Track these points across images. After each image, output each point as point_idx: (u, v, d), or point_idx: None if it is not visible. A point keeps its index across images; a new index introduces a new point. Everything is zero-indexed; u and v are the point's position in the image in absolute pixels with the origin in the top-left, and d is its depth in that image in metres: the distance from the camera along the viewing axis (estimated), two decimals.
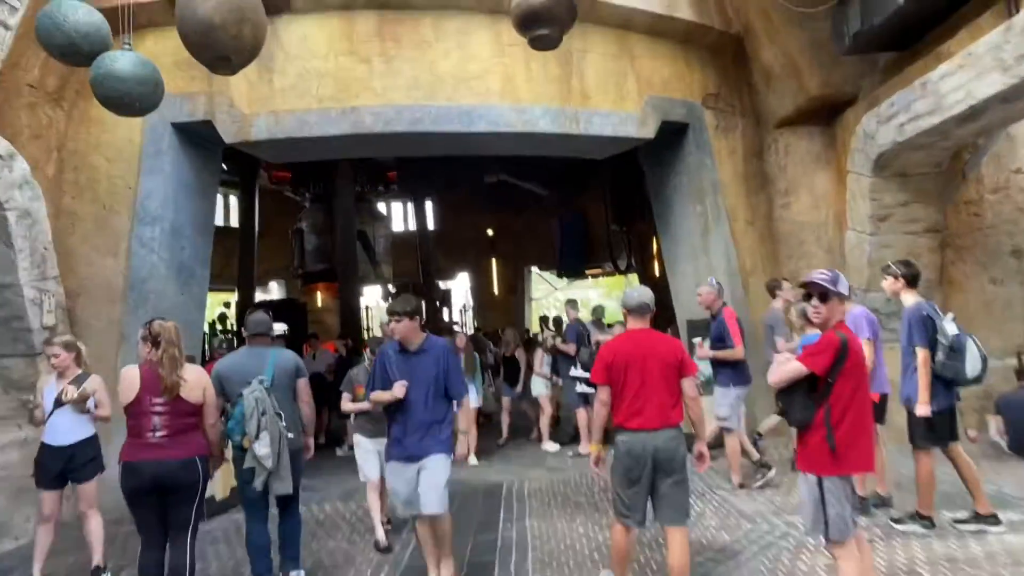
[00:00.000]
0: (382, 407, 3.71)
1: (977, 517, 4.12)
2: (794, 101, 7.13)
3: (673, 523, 3.24)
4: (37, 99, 5.58)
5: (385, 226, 13.25)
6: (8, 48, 4.65)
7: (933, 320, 4.27)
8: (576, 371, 7.35)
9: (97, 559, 4.02)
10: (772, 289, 6.00)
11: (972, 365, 4.13)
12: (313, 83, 5.97)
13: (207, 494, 3.61)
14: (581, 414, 7.13)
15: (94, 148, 5.97)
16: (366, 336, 11.53)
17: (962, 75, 4.78)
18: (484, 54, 6.23)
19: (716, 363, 5.66)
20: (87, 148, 5.95)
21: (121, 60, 3.99)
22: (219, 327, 12.71)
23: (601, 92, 6.60)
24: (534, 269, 20.43)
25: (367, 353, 7.53)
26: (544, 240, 19.34)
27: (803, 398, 2.71)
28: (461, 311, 13.37)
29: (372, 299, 19.42)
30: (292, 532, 3.91)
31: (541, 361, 7.61)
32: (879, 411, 4.56)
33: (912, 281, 4.50)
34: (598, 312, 8.37)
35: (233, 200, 18.84)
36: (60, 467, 3.96)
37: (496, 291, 19.97)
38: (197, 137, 6.12)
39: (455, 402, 3.70)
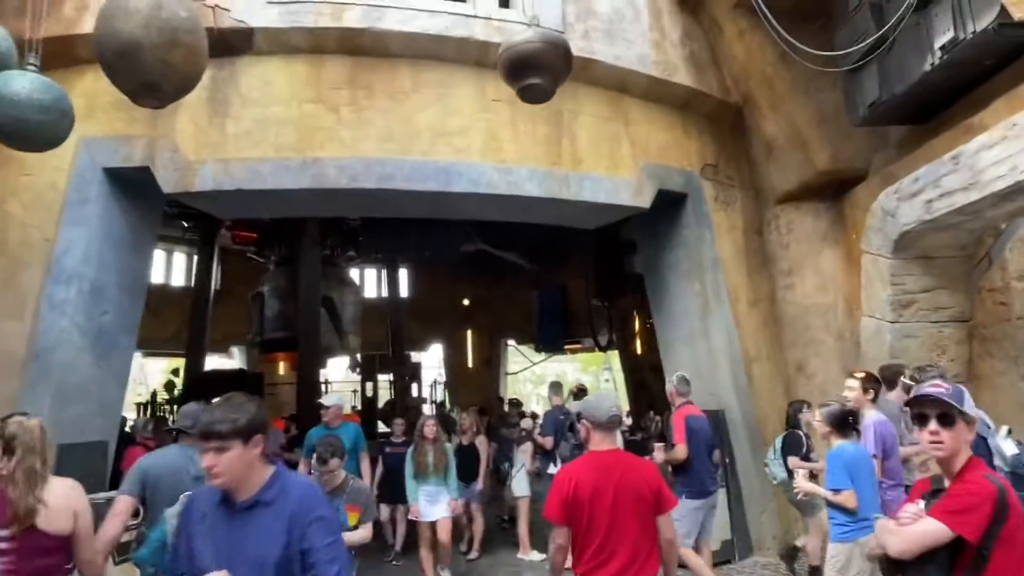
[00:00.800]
0: None
1: None
2: (799, 176, 6.63)
3: None
4: None
5: (354, 292, 12.40)
6: None
7: (985, 440, 3.55)
8: (554, 469, 6.44)
9: None
10: (892, 378, 4.72)
11: None
12: (272, 131, 5.28)
13: None
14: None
15: (10, 193, 5.14)
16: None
17: (1005, 147, 4.25)
18: (466, 108, 5.63)
19: (673, 470, 5.17)
20: (2, 192, 5.13)
21: (18, 81, 3.23)
22: (164, 396, 11.49)
23: (593, 156, 6.01)
24: (511, 342, 19.59)
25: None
26: (522, 312, 18.63)
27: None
28: (432, 386, 12.40)
29: (339, 372, 18.35)
30: None
31: (531, 456, 6.68)
32: None
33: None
34: (555, 390, 7.28)
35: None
36: None
37: (471, 364, 19.02)
38: (133, 186, 5.34)
39: None
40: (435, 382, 12.43)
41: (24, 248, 5.06)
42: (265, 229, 11.62)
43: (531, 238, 15.86)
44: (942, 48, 4.57)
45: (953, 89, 4.97)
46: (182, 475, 3.03)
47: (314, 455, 3.96)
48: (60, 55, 4.76)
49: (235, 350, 18.07)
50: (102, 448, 5.17)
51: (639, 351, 15.95)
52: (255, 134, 5.27)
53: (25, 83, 3.23)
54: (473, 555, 6.75)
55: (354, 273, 18.96)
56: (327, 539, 1.91)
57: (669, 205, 6.58)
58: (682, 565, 4.75)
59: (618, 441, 3.19)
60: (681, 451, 5.01)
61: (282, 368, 15.47)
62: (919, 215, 5.07)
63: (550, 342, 17.99)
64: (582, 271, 16.60)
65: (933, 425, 1.89)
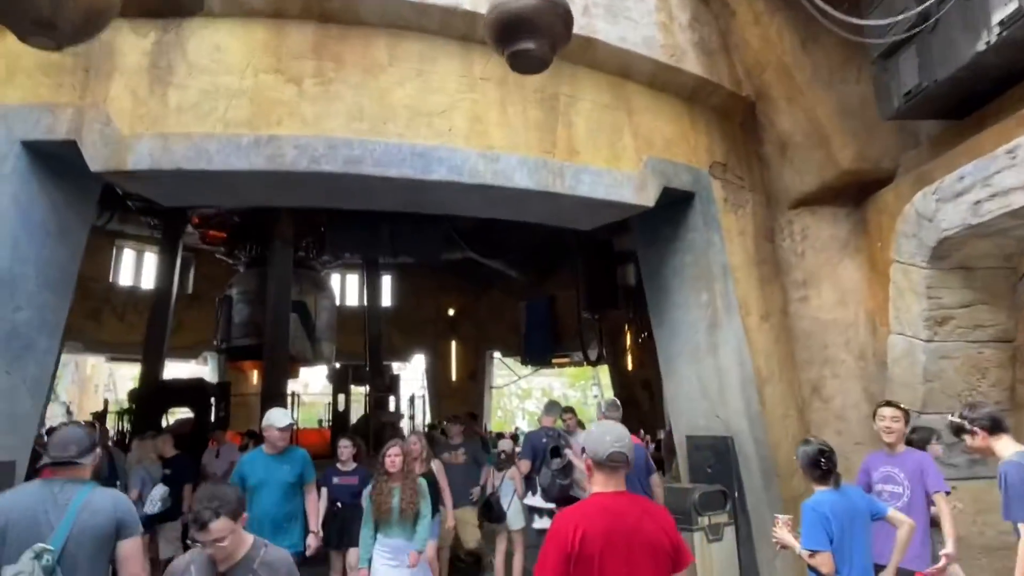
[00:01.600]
0: None
1: None
2: (819, 176, 5.99)
3: None
4: None
5: (329, 297, 11.62)
6: None
7: None
8: (532, 499, 5.70)
9: None
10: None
11: None
12: (221, 103, 4.54)
13: None
14: None
15: None
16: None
17: None
18: (450, 86, 4.94)
19: None
20: None
21: None
22: (122, 407, 10.56)
23: (592, 147, 5.33)
24: (497, 354, 18.84)
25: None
26: (509, 324, 17.95)
27: None
28: (411, 400, 11.61)
29: (320, 382, 17.46)
30: None
31: (521, 483, 5.86)
32: None
33: (997, 426, 3.24)
34: (549, 408, 6.21)
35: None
36: None
37: (455, 377, 18.25)
38: (58, 163, 4.57)
39: None
40: (413, 396, 11.63)
41: None
42: (235, 228, 10.83)
43: (521, 243, 15.23)
44: (1001, 24, 3.94)
45: (1007, 74, 4.34)
46: (39, 520, 2.30)
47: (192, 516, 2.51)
48: None
49: (208, 357, 17.20)
50: (8, 470, 4.37)
51: (630, 367, 15.29)
52: (202, 106, 4.53)
53: None
54: None
55: (335, 279, 18.25)
56: None
57: (674, 205, 5.91)
58: None
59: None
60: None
61: (256, 377, 14.64)
62: (964, 218, 4.42)
63: (538, 355, 17.29)
64: (572, 282, 15.99)
65: None
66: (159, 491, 5.63)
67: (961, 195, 4.44)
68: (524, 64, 3.79)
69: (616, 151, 5.44)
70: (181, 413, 9.27)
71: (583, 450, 2.50)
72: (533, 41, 3.65)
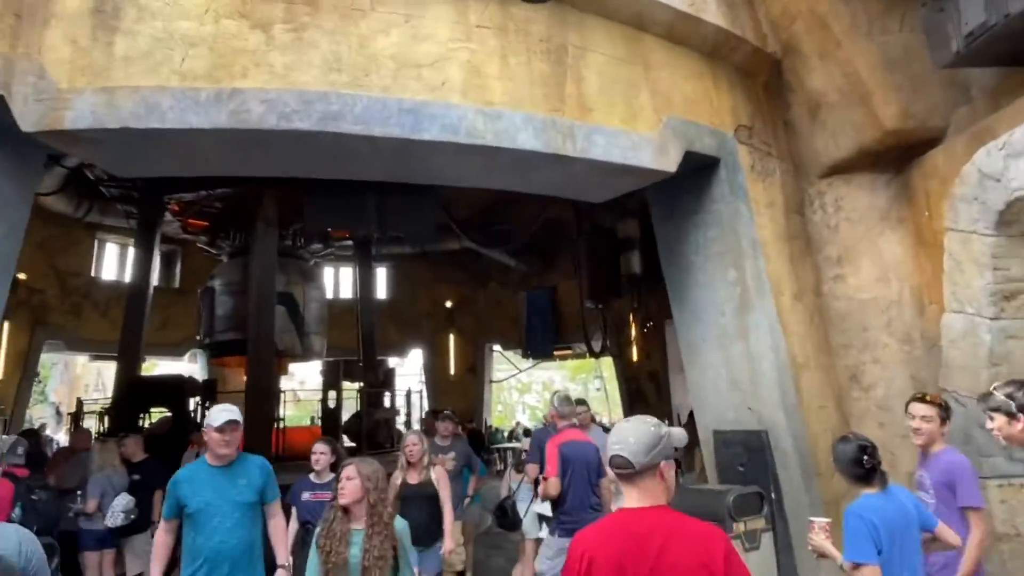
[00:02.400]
0: None
1: None
2: (856, 140, 5.36)
3: None
4: None
5: (319, 288, 10.96)
6: None
7: None
8: (540, 505, 5.07)
9: None
10: None
11: None
12: (177, 52, 3.90)
13: None
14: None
15: None
16: (280, 432, 8.88)
17: None
18: (442, 34, 4.29)
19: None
20: None
21: None
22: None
23: (605, 104, 4.69)
24: (496, 347, 18.21)
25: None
26: (509, 316, 17.30)
27: None
28: (407, 396, 10.99)
29: (314, 379, 16.83)
30: None
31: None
32: None
33: None
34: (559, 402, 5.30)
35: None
36: None
37: (453, 371, 17.62)
38: None
39: None
40: (409, 392, 11.00)
41: None
42: (217, 215, 10.17)
43: (521, 232, 14.60)
44: None
45: None
46: None
47: None
48: None
49: (198, 355, 16.55)
50: None
51: (635, 358, 14.68)
52: (154, 56, 3.88)
53: None
54: None
55: (328, 273, 17.57)
56: None
57: (696, 173, 5.28)
58: None
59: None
60: (554, 485, 4.46)
61: (243, 376, 14.01)
62: None
63: (539, 348, 16.64)
64: (574, 271, 15.35)
65: None
66: (121, 501, 5.00)
67: None
68: None
69: (632, 110, 4.81)
70: (162, 413, 8.64)
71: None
72: None
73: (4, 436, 4.61)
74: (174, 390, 8.35)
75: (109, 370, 23.68)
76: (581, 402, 5.66)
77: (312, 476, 4.61)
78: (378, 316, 14.51)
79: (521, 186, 5.06)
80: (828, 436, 5.01)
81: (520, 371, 18.59)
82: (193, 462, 3.63)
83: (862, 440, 2.73)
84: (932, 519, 2.79)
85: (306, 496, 4.51)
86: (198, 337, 10.71)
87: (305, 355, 10.35)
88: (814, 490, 4.84)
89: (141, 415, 8.03)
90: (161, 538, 3.45)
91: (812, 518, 2.92)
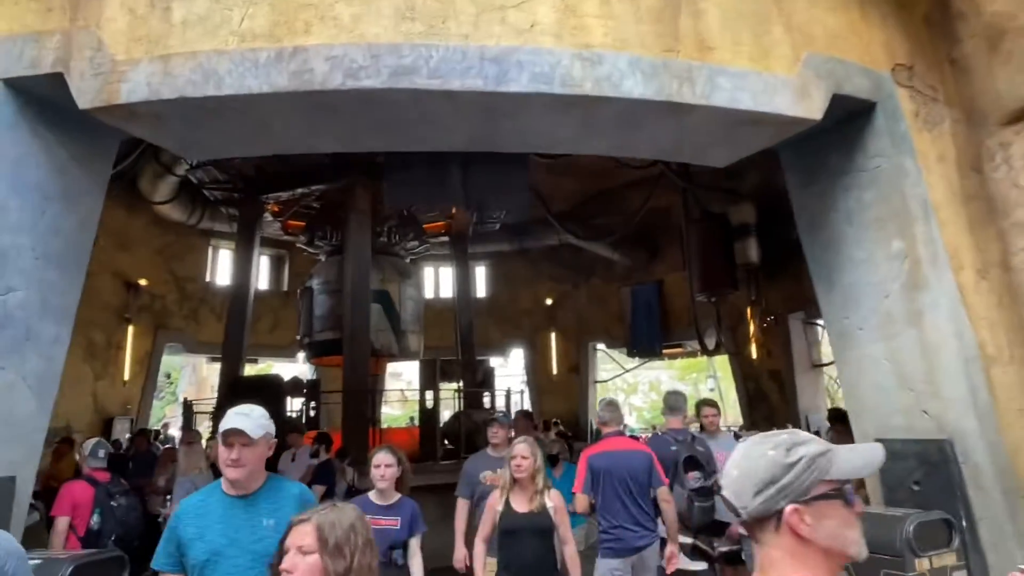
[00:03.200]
0: None
1: None
2: None
3: None
4: None
5: (415, 285, 10.65)
6: None
7: None
8: (659, 526, 4.23)
9: None
10: None
11: None
12: (236, 12, 3.49)
13: None
14: None
15: None
16: (377, 432, 8.52)
17: None
18: None
19: None
20: None
21: None
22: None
23: (730, 42, 3.86)
24: (600, 346, 17.38)
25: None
26: (612, 312, 16.45)
27: None
28: (507, 396, 10.46)
29: (404, 373, 16.75)
30: None
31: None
32: None
33: None
34: (675, 401, 4.60)
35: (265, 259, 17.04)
36: None
37: (555, 371, 16.97)
38: (56, 110, 3.71)
39: None
40: (509, 391, 10.46)
41: None
42: (314, 215, 10.09)
43: (623, 223, 13.73)
44: None
45: None
46: None
47: None
48: None
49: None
50: (7, 487, 3.55)
51: (755, 355, 13.39)
52: (212, 18, 3.50)
53: None
54: None
55: (427, 273, 17.47)
56: None
57: (845, 124, 4.32)
58: None
59: None
60: (580, 502, 4.12)
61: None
62: None
63: (645, 346, 15.68)
64: (682, 263, 14.29)
65: None
66: None
67: None
68: None
69: (763, 47, 3.93)
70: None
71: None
72: None
73: (92, 440, 4.40)
74: (269, 389, 8.25)
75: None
76: (710, 403, 4.80)
77: (373, 495, 3.62)
78: (477, 315, 14.14)
79: (627, 148, 4.30)
80: None
81: (626, 371, 17.63)
82: (206, 487, 2.63)
83: None
84: None
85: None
86: (298, 337, 10.69)
87: (402, 354, 10.07)
88: (1022, 517, 3.75)
89: None
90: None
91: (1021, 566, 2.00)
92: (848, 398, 4.49)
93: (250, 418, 2.45)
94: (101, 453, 4.25)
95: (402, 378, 23.15)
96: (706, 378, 25.17)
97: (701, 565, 3.84)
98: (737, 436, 4.75)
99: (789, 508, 1.13)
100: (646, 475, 4.03)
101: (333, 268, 9.76)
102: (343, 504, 1.95)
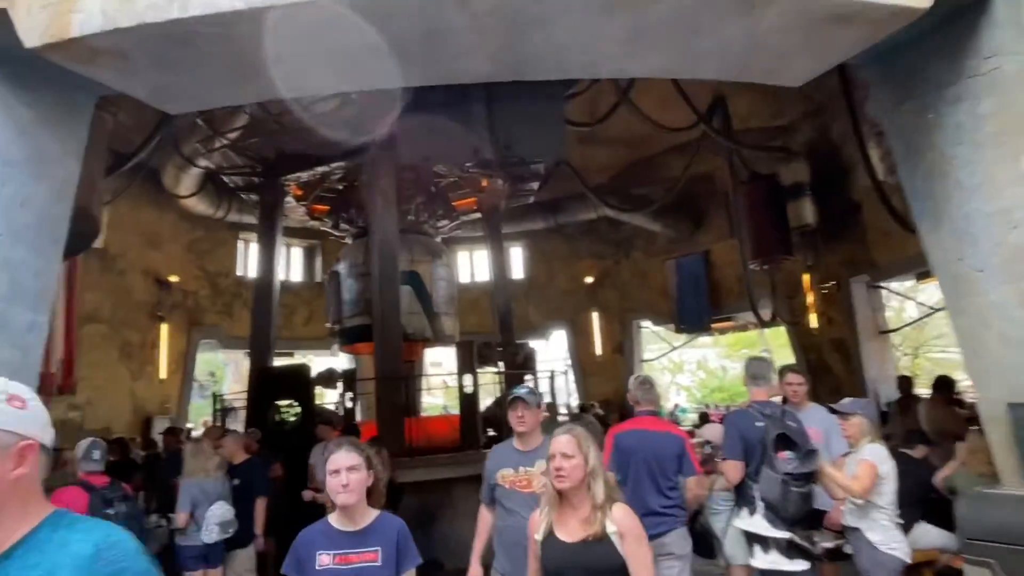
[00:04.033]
0: None
1: None
2: None
3: None
4: None
5: (447, 265, 10.06)
6: None
7: None
8: (746, 519, 3.53)
9: None
10: None
11: None
12: None
13: None
14: None
15: None
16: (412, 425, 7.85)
17: None
18: None
19: None
20: None
21: None
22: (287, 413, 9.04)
23: None
24: (645, 323, 16.58)
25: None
26: (656, 287, 15.63)
27: None
28: (551, 378, 9.82)
29: (444, 362, 16.25)
30: None
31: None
32: None
33: None
34: (760, 369, 3.80)
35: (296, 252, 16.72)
36: None
37: (599, 351, 16.25)
38: (13, 64, 3.17)
39: None
40: (553, 373, 9.81)
41: None
42: (338, 197, 9.58)
43: (664, 190, 12.91)
44: None
45: None
46: None
47: None
48: None
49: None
50: None
51: (815, 325, 12.44)
52: None
53: None
54: None
55: (463, 257, 16.90)
56: None
57: (948, 23, 3.50)
58: None
59: None
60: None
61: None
62: None
63: (694, 321, 14.85)
64: (729, 231, 13.38)
65: None
66: (216, 511, 4.22)
67: None
68: None
69: None
70: (290, 405, 8.13)
71: None
72: None
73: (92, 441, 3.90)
74: (297, 380, 7.79)
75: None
76: (795, 369, 4.08)
77: (334, 518, 2.56)
78: (515, 298, 13.51)
79: (683, 66, 3.57)
80: None
81: (673, 348, 16.81)
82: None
83: None
84: None
85: (324, 562, 2.44)
86: (328, 324, 10.23)
87: (436, 338, 9.52)
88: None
89: (269, 408, 7.52)
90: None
91: None
92: (967, 354, 3.71)
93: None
94: (96, 454, 3.76)
95: (443, 367, 22.75)
96: (760, 352, 24.05)
97: (802, 565, 3.14)
98: (832, 410, 3.98)
99: None
100: (674, 461, 3.73)
101: (360, 250, 9.25)
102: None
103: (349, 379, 10.11)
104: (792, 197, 11.72)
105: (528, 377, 9.45)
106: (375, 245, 7.84)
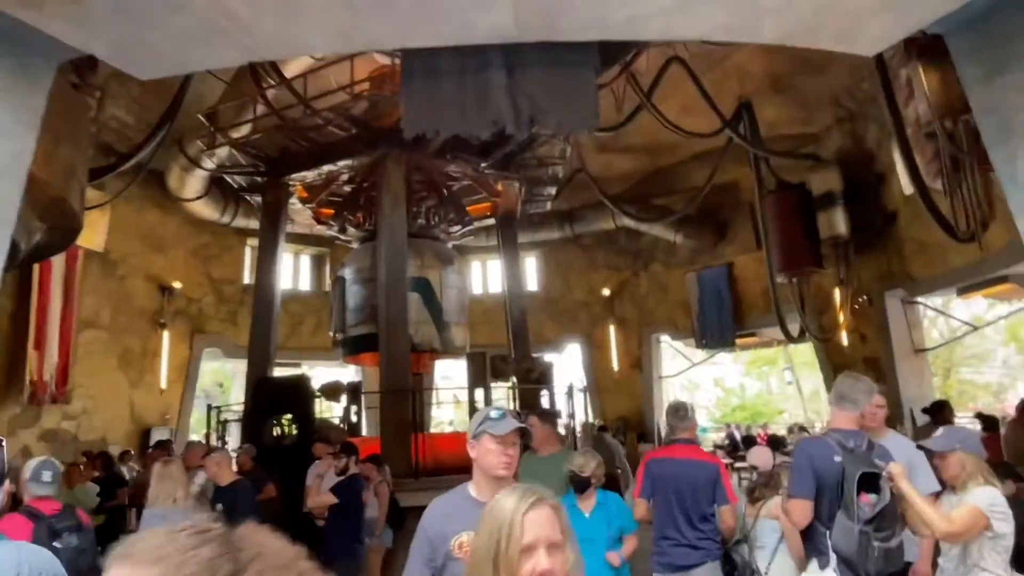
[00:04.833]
0: None
1: None
2: None
3: None
4: None
5: (458, 272, 9.52)
6: None
7: None
8: (816, 572, 2.90)
9: None
10: None
11: None
12: None
13: None
14: None
15: None
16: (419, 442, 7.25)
17: None
18: None
19: None
20: None
21: None
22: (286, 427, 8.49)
23: None
24: (664, 338, 15.94)
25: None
26: (677, 301, 15.03)
27: None
28: (568, 394, 9.23)
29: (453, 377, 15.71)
30: None
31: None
32: None
33: None
34: (851, 389, 3.10)
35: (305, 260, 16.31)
36: None
37: (616, 366, 15.62)
38: None
39: None
40: (571, 388, 9.20)
41: None
42: (344, 200, 9.11)
43: (685, 200, 12.36)
44: None
45: None
46: None
47: None
48: None
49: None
50: None
51: (846, 341, 11.77)
52: None
53: None
54: None
55: (475, 267, 16.40)
56: None
57: None
58: None
59: None
60: (638, 508, 3.83)
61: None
62: None
63: (716, 336, 14.23)
64: (756, 242, 12.78)
65: None
66: None
67: None
68: None
69: None
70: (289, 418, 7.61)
71: None
72: None
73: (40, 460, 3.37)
74: (296, 391, 7.24)
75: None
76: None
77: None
78: (529, 310, 12.95)
79: (743, 26, 3.00)
80: None
81: (694, 364, 16.13)
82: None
83: None
84: None
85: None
86: (331, 333, 9.72)
87: (445, 350, 8.96)
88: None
89: (267, 422, 6.99)
90: None
91: None
92: None
93: None
94: (47, 476, 3.22)
95: (454, 381, 22.17)
96: (781, 370, 23.24)
97: None
98: (919, 446, 3.29)
99: None
100: (708, 490, 3.73)
101: (367, 255, 8.74)
102: None
103: (354, 392, 9.60)
104: (822, 207, 11.18)
105: (544, 393, 8.86)
106: (382, 248, 7.33)
